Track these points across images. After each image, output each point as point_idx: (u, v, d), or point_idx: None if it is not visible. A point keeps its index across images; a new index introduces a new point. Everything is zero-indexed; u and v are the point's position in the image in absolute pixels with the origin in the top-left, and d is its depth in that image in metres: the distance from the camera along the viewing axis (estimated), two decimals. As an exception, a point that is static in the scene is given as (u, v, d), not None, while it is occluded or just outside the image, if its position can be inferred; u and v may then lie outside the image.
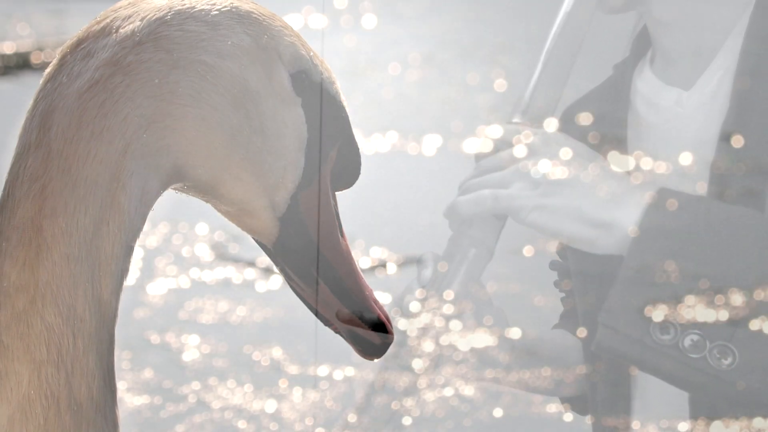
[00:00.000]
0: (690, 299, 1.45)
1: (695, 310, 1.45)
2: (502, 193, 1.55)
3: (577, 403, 1.80)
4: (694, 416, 1.52)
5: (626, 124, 1.71)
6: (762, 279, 1.44)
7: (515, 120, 1.66)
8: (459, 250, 1.61)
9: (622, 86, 1.74)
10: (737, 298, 1.43)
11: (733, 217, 1.47)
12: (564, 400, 1.83)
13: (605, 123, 1.72)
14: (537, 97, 1.66)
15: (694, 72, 1.65)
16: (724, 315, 1.44)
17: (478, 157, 1.63)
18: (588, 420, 1.71)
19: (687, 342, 1.45)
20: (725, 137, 1.55)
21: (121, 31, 0.97)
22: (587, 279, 1.68)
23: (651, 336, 1.46)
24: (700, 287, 1.46)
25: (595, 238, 1.53)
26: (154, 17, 0.98)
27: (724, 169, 1.54)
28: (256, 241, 1.11)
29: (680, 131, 1.64)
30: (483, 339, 1.65)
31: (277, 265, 1.11)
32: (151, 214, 0.99)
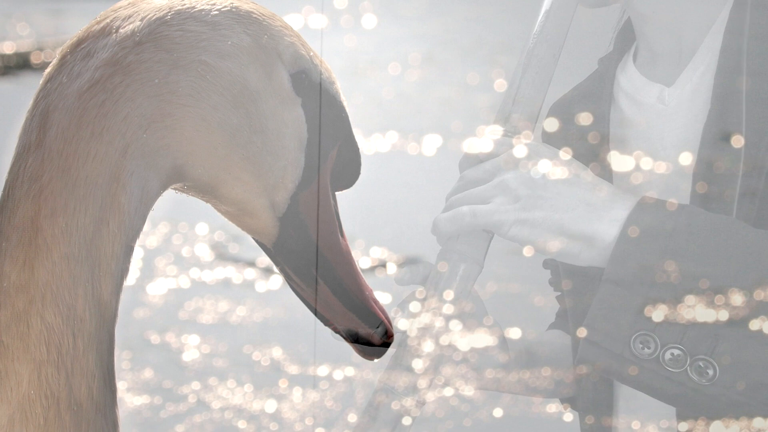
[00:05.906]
0: (664, 308, 1.45)
1: (694, 311, 1.44)
2: (481, 209, 1.53)
3: (576, 402, 1.79)
4: (693, 416, 1.51)
5: (609, 122, 1.69)
6: (746, 284, 1.43)
7: (497, 127, 1.61)
8: (449, 267, 1.58)
9: (606, 82, 1.72)
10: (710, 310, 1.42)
11: (715, 225, 1.45)
12: (564, 401, 1.82)
13: (592, 122, 1.70)
14: (520, 102, 1.61)
15: (676, 68, 1.64)
16: (710, 318, 1.43)
17: (462, 166, 1.60)
18: (587, 420, 1.71)
19: (667, 356, 1.44)
20: (708, 136, 1.53)
21: (121, 31, 0.97)
22: (582, 279, 1.68)
23: (631, 350, 1.45)
24: (681, 293, 1.45)
25: (577, 251, 1.51)
26: (154, 17, 0.98)
27: (707, 168, 1.53)
28: (256, 241, 1.11)
29: (663, 129, 1.63)
30: (483, 339, 1.65)
31: (277, 265, 1.11)
32: (151, 214, 0.99)
